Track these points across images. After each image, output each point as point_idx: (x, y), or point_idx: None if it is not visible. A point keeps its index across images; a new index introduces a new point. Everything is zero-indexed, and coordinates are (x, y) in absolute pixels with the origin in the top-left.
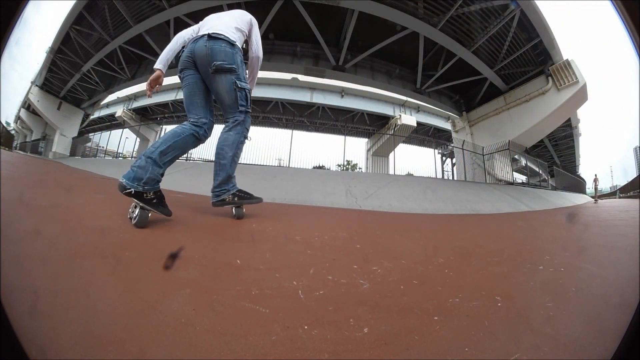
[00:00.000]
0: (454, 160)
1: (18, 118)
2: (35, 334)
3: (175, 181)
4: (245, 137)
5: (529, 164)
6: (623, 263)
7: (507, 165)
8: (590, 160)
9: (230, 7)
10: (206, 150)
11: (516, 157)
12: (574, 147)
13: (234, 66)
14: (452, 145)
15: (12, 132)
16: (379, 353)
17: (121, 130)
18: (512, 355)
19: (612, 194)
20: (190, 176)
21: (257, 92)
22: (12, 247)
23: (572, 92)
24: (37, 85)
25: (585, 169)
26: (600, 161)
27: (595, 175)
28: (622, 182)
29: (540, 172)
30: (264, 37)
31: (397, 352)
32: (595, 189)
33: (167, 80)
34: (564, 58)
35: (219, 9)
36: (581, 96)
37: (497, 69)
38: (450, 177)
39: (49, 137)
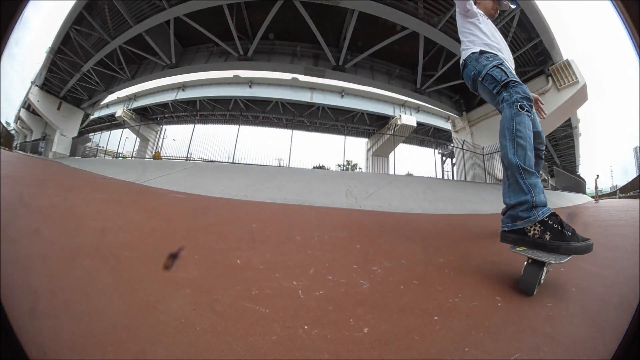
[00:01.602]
0: (454, 160)
1: (18, 118)
2: (35, 334)
3: (175, 181)
4: (522, 108)
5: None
6: (623, 263)
7: None
8: (590, 160)
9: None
10: (205, 149)
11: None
12: (574, 147)
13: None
14: (452, 145)
15: (12, 132)
16: (379, 353)
17: (121, 130)
18: (512, 355)
19: (612, 194)
20: (191, 176)
21: (258, 93)
22: (12, 247)
23: (572, 92)
24: (37, 85)
25: (586, 169)
26: (600, 161)
27: (597, 176)
28: (622, 182)
29: (540, 172)
30: (264, 37)
31: (397, 352)
32: (596, 188)
33: (168, 80)
34: (564, 58)
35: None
36: (581, 96)
37: None
38: (450, 177)
39: (49, 137)
